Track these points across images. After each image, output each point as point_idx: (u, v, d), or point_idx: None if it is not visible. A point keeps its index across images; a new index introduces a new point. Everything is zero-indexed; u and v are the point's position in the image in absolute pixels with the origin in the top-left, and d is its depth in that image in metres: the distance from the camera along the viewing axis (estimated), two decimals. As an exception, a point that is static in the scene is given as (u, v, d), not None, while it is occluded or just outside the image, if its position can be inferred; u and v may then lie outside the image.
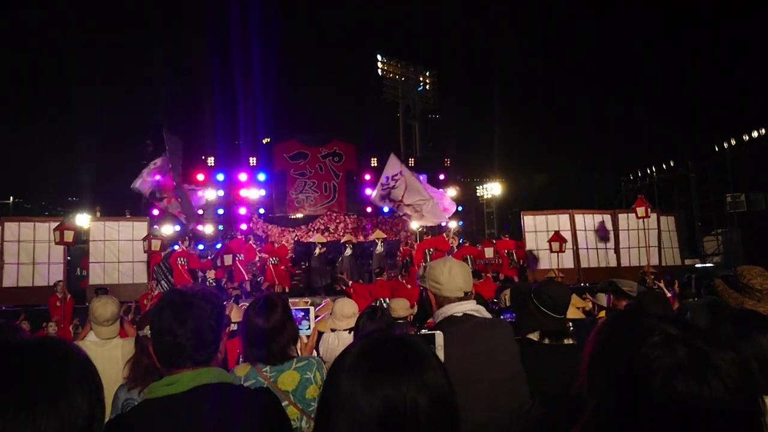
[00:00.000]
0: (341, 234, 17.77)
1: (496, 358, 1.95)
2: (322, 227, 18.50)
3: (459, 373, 1.75)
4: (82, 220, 13.97)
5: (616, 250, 14.91)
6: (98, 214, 19.04)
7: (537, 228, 14.67)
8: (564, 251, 14.13)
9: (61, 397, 0.81)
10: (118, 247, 12.73)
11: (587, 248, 14.71)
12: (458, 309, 2.05)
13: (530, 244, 14.62)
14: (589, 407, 0.89)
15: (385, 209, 16.61)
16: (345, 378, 0.90)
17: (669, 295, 6.66)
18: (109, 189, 22.02)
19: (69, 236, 11.56)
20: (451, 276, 2.07)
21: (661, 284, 7.42)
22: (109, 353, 2.99)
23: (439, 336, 1.61)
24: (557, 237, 14.28)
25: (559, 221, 14.64)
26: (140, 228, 12.80)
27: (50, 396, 0.80)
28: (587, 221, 14.96)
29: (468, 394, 1.82)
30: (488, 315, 2.16)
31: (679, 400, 0.80)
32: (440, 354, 1.61)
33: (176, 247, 13.28)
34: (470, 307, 2.07)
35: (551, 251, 14.12)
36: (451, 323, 1.97)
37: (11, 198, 18.84)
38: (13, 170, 24.91)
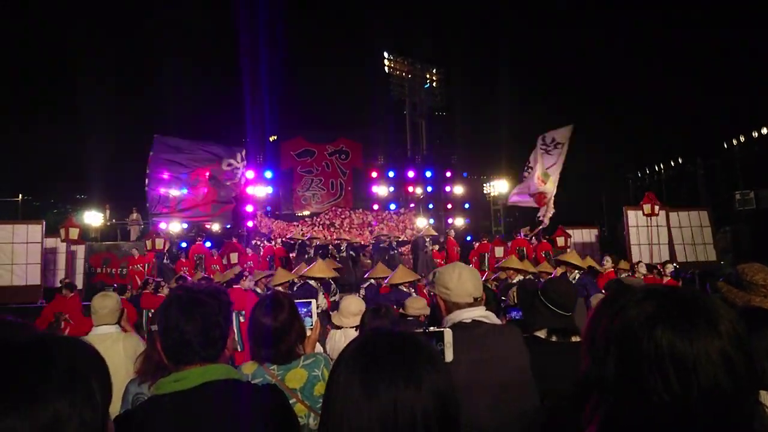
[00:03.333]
0: (347, 230, 17.78)
1: (505, 365, 1.94)
2: (327, 222, 18.50)
3: (466, 379, 1.73)
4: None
5: (716, 246, 14.96)
6: (108, 213, 19.22)
7: (638, 223, 14.72)
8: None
9: (41, 402, 0.76)
10: (12, 250, 12.69)
11: (684, 244, 14.68)
12: (467, 315, 2.02)
13: (633, 238, 14.65)
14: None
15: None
16: (342, 375, 0.90)
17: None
18: (118, 187, 22.15)
19: (74, 233, 11.72)
20: (461, 282, 2.04)
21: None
22: (110, 346, 3.06)
23: (448, 333, 1.59)
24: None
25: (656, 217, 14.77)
26: (35, 231, 12.80)
27: (26, 401, 0.75)
28: (682, 218, 15.07)
29: (475, 401, 1.81)
30: (498, 321, 2.14)
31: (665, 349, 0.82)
32: (449, 352, 1.58)
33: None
34: (479, 313, 2.04)
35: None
36: (460, 329, 1.95)
37: (20, 196, 18.95)
38: (21, 169, 25.06)
